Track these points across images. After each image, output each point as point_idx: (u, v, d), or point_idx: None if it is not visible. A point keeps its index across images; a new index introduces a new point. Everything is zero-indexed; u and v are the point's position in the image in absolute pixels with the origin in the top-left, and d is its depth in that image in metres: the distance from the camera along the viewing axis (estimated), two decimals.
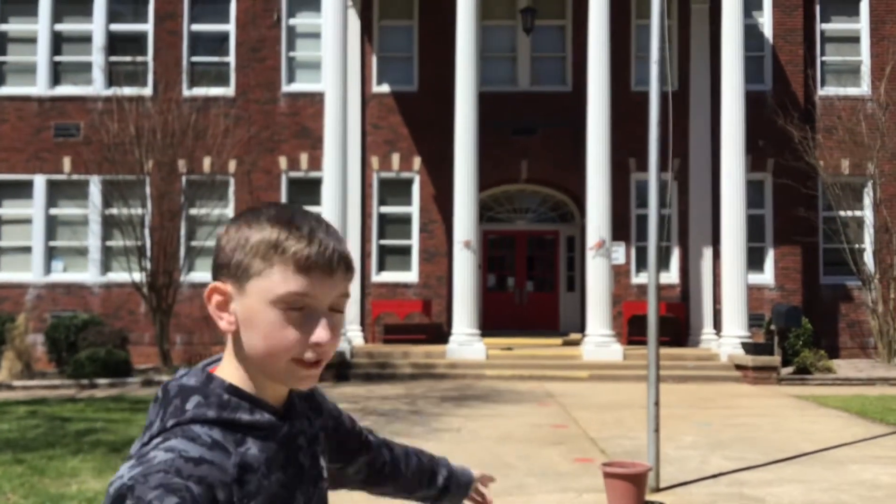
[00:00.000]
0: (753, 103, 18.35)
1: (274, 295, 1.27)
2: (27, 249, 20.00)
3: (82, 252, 19.70)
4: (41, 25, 20.30)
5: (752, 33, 19.30)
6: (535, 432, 10.53)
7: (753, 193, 19.15)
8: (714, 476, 8.20)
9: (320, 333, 1.29)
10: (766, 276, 19.71)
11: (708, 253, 19.43)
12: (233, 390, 1.33)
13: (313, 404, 1.54)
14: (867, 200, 19.94)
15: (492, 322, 19.91)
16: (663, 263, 19.57)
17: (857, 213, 19.72)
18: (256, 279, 1.28)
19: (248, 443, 1.32)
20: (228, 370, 1.36)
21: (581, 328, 18.64)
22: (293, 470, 1.38)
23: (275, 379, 1.33)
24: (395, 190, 20.13)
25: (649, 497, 7.22)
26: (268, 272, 1.28)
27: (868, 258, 19.50)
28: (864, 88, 20.28)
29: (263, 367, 1.32)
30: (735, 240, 16.93)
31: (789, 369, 16.85)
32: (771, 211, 19.82)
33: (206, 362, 1.41)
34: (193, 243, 19.12)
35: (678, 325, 19.34)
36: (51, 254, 20.05)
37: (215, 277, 1.33)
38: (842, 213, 19.39)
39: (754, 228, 19.04)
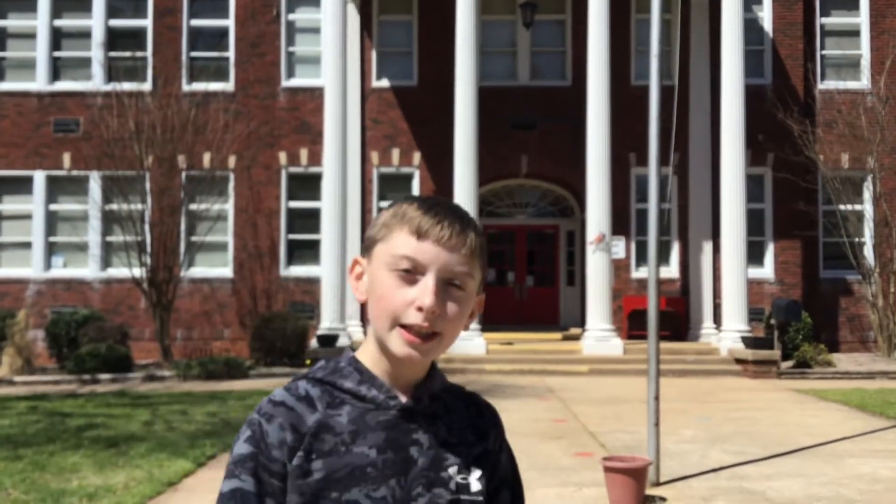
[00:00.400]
0: (753, 97, 18.33)
1: (388, 256, 1.38)
2: (27, 245, 20.01)
3: (82, 248, 19.70)
4: (40, 21, 20.27)
5: (751, 27, 19.29)
6: (535, 427, 10.54)
7: (753, 187, 19.14)
8: (714, 470, 8.21)
9: (423, 297, 1.34)
10: (766, 271, 19.71)
11: (708, 247, 19.43)
12: (353, 362, 1.43)
13: (480, 423, 1.51)
14: (867, 194, 19.93)
15: (492, 317, 19.90)
16: (663, 258, 19.57)
17: (857, 206, 19.71)
18: (379, 244, 1.41)
19: (342, 409, 1.39)
20: (364, 347, 1.45)
21: (581, 323, 18.65)
22: (394, 457, 1.38)
23: (387, 350, 1.39)
24: (395, 185, 20.12)
25: (649, 491, 7.23)
26: (388, 237, 1.40)
27: (868, 252, 19.50)
28: (864, 82, 20.26)
29: (379, 336, 1.39)
30: (735, 234, 16.93)
31: (789, 363, 16.86)
32: (771, 205, 19.81)
33: None
34: (193, 238, 19.12)
35: (678, 320, 19.35)
36: (51, 249, 20.05)
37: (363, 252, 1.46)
38: (842, 207, 19.39)
39: (754, 223, 19.03)
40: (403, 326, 1.36)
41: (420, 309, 1.34)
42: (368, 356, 1.43)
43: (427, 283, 1.35)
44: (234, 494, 1.34)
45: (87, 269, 19.80)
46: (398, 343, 1.36)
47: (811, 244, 19.91)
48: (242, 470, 1.34)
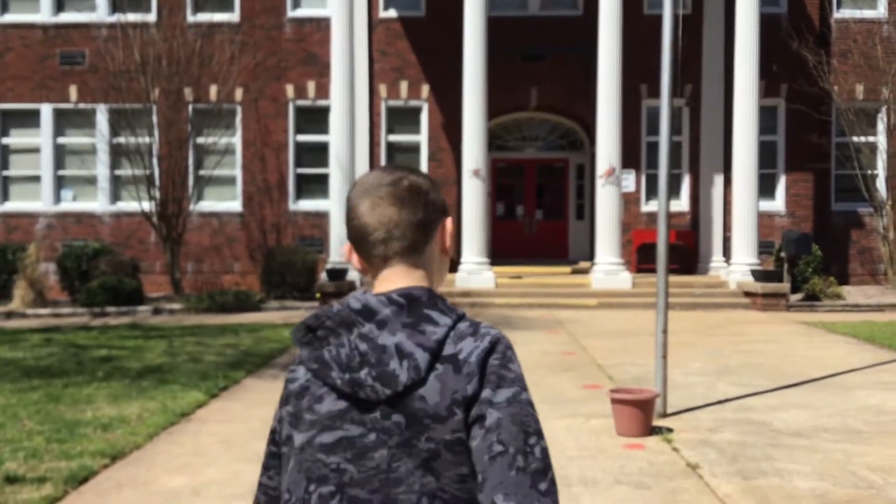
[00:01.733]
0: (767, 27, 17.99)
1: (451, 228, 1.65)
2: (36, 179, 20.00)
3: (91, 181, 19.69)
4: None
5: None
6: (544, 359, 10.62)
7: (766, 119, 18.92)
8: (721, 402, 8.28)
9: None
10: (777, 203, 19.61)
11: (719, 180, 19.30)
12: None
13: None
14: (881, 126, 19.69)
15: (501, 251, 19.94)
16: (673, 191, 19.46)
17: (871, 138, 19.49)
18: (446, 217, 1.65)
19: None
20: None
21: (590, 256, 18.66)
22: None
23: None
24: (404, 118, 19.96)
25: (656, 422, 7.30)
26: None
27: (880, 184, 19.34)
28: (880, 11, 19.85)
29: (439, 285, 1.64)
30: (747, 167, 16.80)
31: (798, 296, 16.88)
32: (783, 137, 19.61)
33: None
34: (202, 172, 19.08)
35: (688, 253, 19.33)
36: (60, 183, 20.05)
37: (436, 217, 1.59)
38: (855, 138, 19.17)
39: (766, 155, 18.86)
40: None
41: None
42: None
43: None
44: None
45: (97, 203, 19.82)
46: None
47: (823, 177, 19.75)
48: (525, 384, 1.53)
